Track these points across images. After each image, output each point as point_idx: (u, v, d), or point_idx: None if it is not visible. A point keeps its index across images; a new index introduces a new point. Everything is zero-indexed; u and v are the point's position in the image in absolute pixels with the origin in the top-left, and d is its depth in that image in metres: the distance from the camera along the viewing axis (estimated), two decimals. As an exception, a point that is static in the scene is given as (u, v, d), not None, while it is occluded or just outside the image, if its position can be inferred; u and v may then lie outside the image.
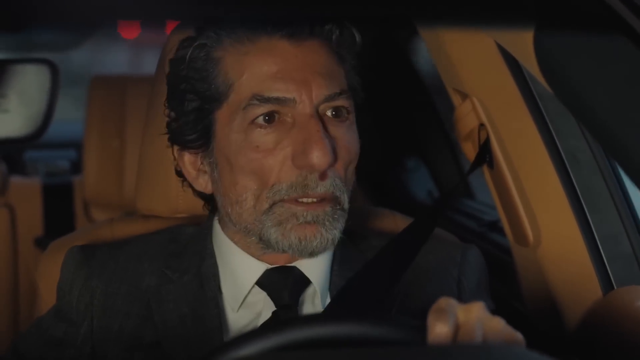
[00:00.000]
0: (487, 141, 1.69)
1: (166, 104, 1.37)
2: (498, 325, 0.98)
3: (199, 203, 1.51)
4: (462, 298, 1.37)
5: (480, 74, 1.67)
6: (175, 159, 1.39)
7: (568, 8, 1.15)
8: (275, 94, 1.26)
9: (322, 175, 1.26)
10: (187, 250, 1.39)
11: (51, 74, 1.75)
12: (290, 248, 1.28)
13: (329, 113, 1.29)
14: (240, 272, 1.34)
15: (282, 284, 1.33)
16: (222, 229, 1.38)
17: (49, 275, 1.53)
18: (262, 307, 1.34)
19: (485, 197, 2.55)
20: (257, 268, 1.34)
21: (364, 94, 1.38)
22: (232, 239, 1.36)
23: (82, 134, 2.88)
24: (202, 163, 1.36)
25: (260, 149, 1.27)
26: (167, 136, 1.49)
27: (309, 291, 1.35)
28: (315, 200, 1.27)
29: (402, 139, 2.99)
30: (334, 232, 1.28)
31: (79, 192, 2.97)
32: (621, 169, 1.56)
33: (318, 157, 1.23)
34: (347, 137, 1.30)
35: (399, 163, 3.01)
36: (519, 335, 0.99)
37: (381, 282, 1.31)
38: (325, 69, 1.29)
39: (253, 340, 0.95)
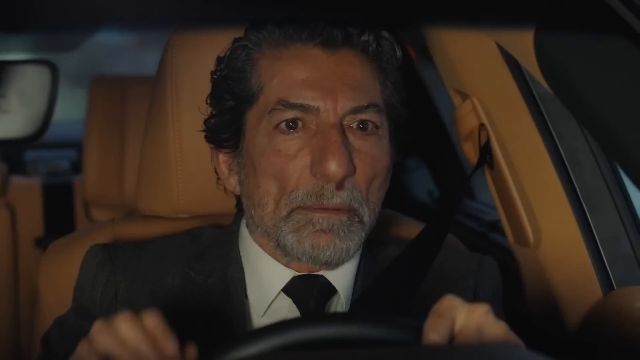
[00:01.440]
0: (488, 142, 1.69)
1: (208, 101, 1.38)
2: (500, 331, 0.98)
3: (200, 203, 1.52)
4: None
5: (481, 74, 1.67)
6: (211, 156, 1.39)
7: (568, 9, 1.15)
8: (300, 101, 1.26)
9: (339, 186, 1.25)
10: (210, 252, 1.38)
11: (51, 74, 1.76)
12: (304, 255, 1.28)
13: (354, 125, 1.28)
14: (266, 278, 1.34)
15: (308, 291, 1.33)
16: (250, 233, 1.38)
17: (49, 275, 1.53)
18: (287, 314, 1.33)
19: (486, 197, 2.55)
20: (284, 275, 1.34)
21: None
22: (259, 244, 1.36)
23: (82, 134, 2.88)
24: (232, 163, 1.36)
25: (281, 154, 1.27)
26: (168, 137, 1.50)
27: (334, 300, 1.35)
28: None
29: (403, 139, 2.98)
30: (349, 243, 1.27)
31: (79, 192, 2.97)
32: (621, 169, 1.56)
33: (333, 166, 1.23)
34: (373, 151, 1.29)
35: (399, 163, 3.01)
36: (519, 343, 0.98)
37: (398, 292, 1.30)
38: (356, 80, 1.29)
39: (242, 343, 0.95)
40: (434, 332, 0.95)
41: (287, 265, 1.34)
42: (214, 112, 1.36)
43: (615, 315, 1.59)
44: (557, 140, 1.66)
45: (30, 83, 1.71)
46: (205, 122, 1.37)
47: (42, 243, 2.83)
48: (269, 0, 1.12)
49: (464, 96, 1.71)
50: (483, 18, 1.26)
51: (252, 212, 1.32)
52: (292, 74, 1.28)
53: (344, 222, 1.26)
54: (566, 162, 1.66)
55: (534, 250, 1.70)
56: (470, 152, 1.76)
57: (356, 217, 1.28)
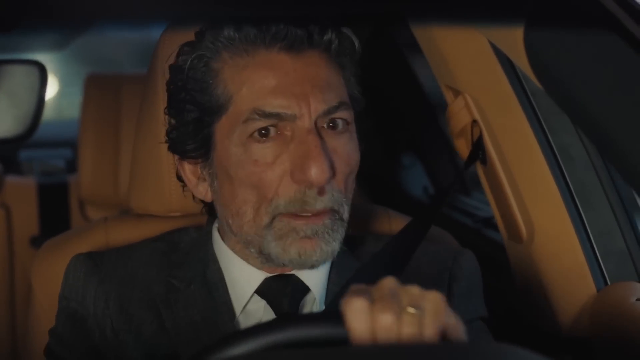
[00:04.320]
0: (480, 138, 1.69)
1: (166, 112, 1.36)
2: (414, 290, 1.00)
3: (192, 202, 1.51)
4: (452, 302, 1.37)
5: (473, 70, 1.67)
6: (176, 165, 1.38)
7: (558, 5, 1.15)
8: (275, 110, 1.25)
9: (321, 191, 1.25)
10: (188, 258, 1.38)
11: (40, 74, 1.75)
12: (290, 262, 1.28)
13: (325, 125, 1.28)
14: (239, 280, 1.34)
15: (282, 292, 1.33)
16: (222, 237, 1.38)
17: (43, 273, 1.53)
18: (262, 315, 1.34)
19: (480, 194, 2.55)
20: (256, 277, 1.34)
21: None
22: (232, 249, 1.36)
23: (76, 133, 2.87)
24: (202, 172, 1.35)
25: (259, 163, 1.26)
26: (161, 136, 1.49)
27: (308, 298, 1.35)
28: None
29: (397, 135, 2.99)
30: (334, 245, 1.28)
31: (74, 191, 2.96)
32: (612, 165, 1.57)
33: (316, 173, 1.23)
34: (347, 148, 1.29)
35: (394, 159, 3.01)
36: (437, 293, 0.99)
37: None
38: (324, 81, 1.28)
39: None
40: (353, 299, 0.96)
41: (259, 267, 1.34)
42: (173, 122, 1.34)
43: (609, 311, 1.60)
44: (549, 136, 1.66)
45: (18, 83, 1.71)
46: (168, 132, 1.35)
47: (37, 242, 2.82)
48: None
49: (457, 92, 1.71)
50: (473, 15, 1.26)
51: (230, 221, 1.32)
52: (262, 82, 1.26)
53: (327, 225, 1.27)
54: (559, 157, 1.66)
55: (527, 246, 1.70)
56: (463, 149, 1.76)
57: (337, 215, 1.28)
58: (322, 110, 1.26)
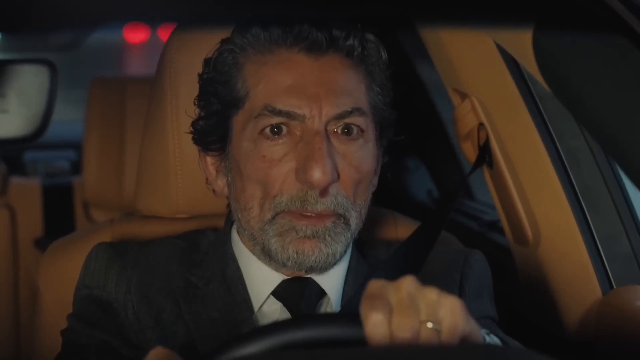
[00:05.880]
0: (487, 141, 1.69)
1: (196, 103, 1.38)
2: (433, 296, 0.99)
3: (199, 203, 1.52)
4: (463, 301, 1.37)
5: (480, 73, 1.67)
6: (199, 158, 1.40)
7: (567, 8, 1.15)
8: (286, 108, 1.26)
9: (323, 192, 1.26)
10: (208, 259, 1.39)
11: (50, 74, 1.75)
12: (289, 261, 1.28)
13: (339, 130, 1.28)
14: (256, 281, 1.35)
15: (298, 295, 1.33)
16: (239, 236, 1.38)
17: (49, 275, 1.53)
18: (279, 317, 1.34)
19: (485, 197, 2.55)
20: (273, 278, 1.34)
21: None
22: (248, 248, 1.36)
23: (81, 135, 2.88)
24: (220, 165, 1.37)
25: (266, 159, 1.27)
26: (167, 137, 1.50)
27: (324, 302, 1.35)
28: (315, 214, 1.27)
29: (402, 138, 2.98)
30: (335, 247, 1.28)
31: (78, 192, 2.97)
32: (620, 167, 1.56)
33: (317, 174, 1.23)
34: (359, 155, 1.29)
35: (399, 163, 3.01)
36: (455, 300, 0.98)
37: None
38: (340, 86, 1.29)
39: None
40: (372, 311, 0.95)
41: (276, 269, 1.34)
42: (202, 114, 1.36)
43: (615, 314, 1.59)
44: (556, 140, 1.66)
45: (29, 82, 1.70)
46: (193, 124, 1.37)
47: (41, 243, 2.82)
48: (266, -1, 1.12)
49: (463, 96, 1.71)
50: (481, 18, 1.26)
51: (239, 215, 1.33)
52: (277, 80, 1.28)
53: (329, 228, 1.27)
54: (565, 161, 1.66)
55: (533, 249, 1.70)
56: (469, 152, 1.76)
57: (342, 219, 1.28)
58: (333, 114, 1.27)
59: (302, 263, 1.28)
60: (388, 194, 2.97)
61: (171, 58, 1.50)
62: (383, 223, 1.60)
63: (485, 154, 1.69)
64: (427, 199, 2.93)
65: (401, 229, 1.58)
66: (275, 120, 1.27)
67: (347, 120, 1.28)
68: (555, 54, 1.20)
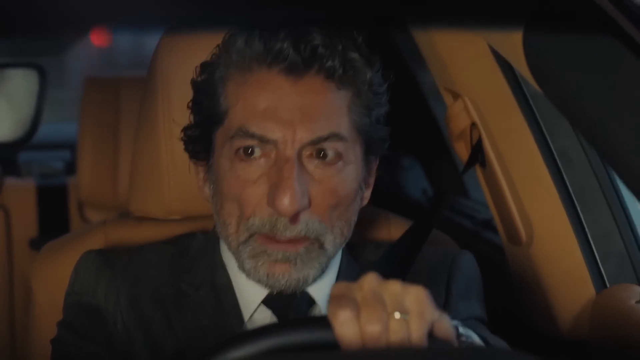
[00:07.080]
0: (480, 140, 1.69)
1: (189, 107, 1.36)
2: (396, 287, 0.99)
3: (192, 205, 1.52)
4: (450, 302, 1.37)
5: (472, 73, 1.67)
6: (189, 163, 1.39)
7: (557, 8, 1.15)
8: (259, 132, 1.25)
9: (293, 220, 1.24)
10: (196, 263, 1.38)
11: (39, 78, 1.74)
12: (260, 282, 1.28)
13: (314, 154, 1.26)
14: (246, 289, 1.34)
15: (288, 304, 1.32)
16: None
17: (43, 276, 1.53)
18: None
19: (480, 196, 2.55)
20: (262, 287, 1.33)
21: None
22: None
23: (76, 135, 2.87)
24: (205, 174, 1.36)
25: (241, 179, 1.26)
26: (159, 138, 1.50)
27: (314, 310, 1.35)
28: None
29: (396, 137, 2.98)
30: (307, 272, 1.27)
31: (73, 193, 2.96)
32: (611, 168, 1.57)
33: (285, 203, 1.21)
34: (336, 180, 1.27)
35: (393, 161, 3.01)
36: (419, 289, 0.99)
37: None
38: (317, 110, 1.26)
39: None
40: (339, 310, 0.96)
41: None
42: (193, 120, 1.35)
43: (608, 313, 1.60)
44: (548, 138, 1.66)
45: (18, 86, 1.70)
46: (184, 129, 1.36)
47: (36, 244, 2.82)
48: (258, 0, 1.12)
49: (456, 95, 1.71)
50: (472, 18, 1.26)
51: (220, 229, 1.32)
52: (254, 101, 1.26)
53: (300, 253, 1.26)
54: (558, 160, 1.66)
55: (526, 248, 1.71)
56: (462, 151, 1.76)
57: (317, 243, 1.27)
58: (307, 140, 1.25)
59: (273, 285, 1.27)
60: (382, 193, 2.98)
61: (162, 59, 1.50)
62: (376, 223, 1.60)
63: (477, 154, 1.70)
64: (422, 198, 2.93)
65: (395, 229, 1.58)
66: (249, 142, 1.25)
67: (322, 146, 1.25)
68: (545, 55, 1.20)
